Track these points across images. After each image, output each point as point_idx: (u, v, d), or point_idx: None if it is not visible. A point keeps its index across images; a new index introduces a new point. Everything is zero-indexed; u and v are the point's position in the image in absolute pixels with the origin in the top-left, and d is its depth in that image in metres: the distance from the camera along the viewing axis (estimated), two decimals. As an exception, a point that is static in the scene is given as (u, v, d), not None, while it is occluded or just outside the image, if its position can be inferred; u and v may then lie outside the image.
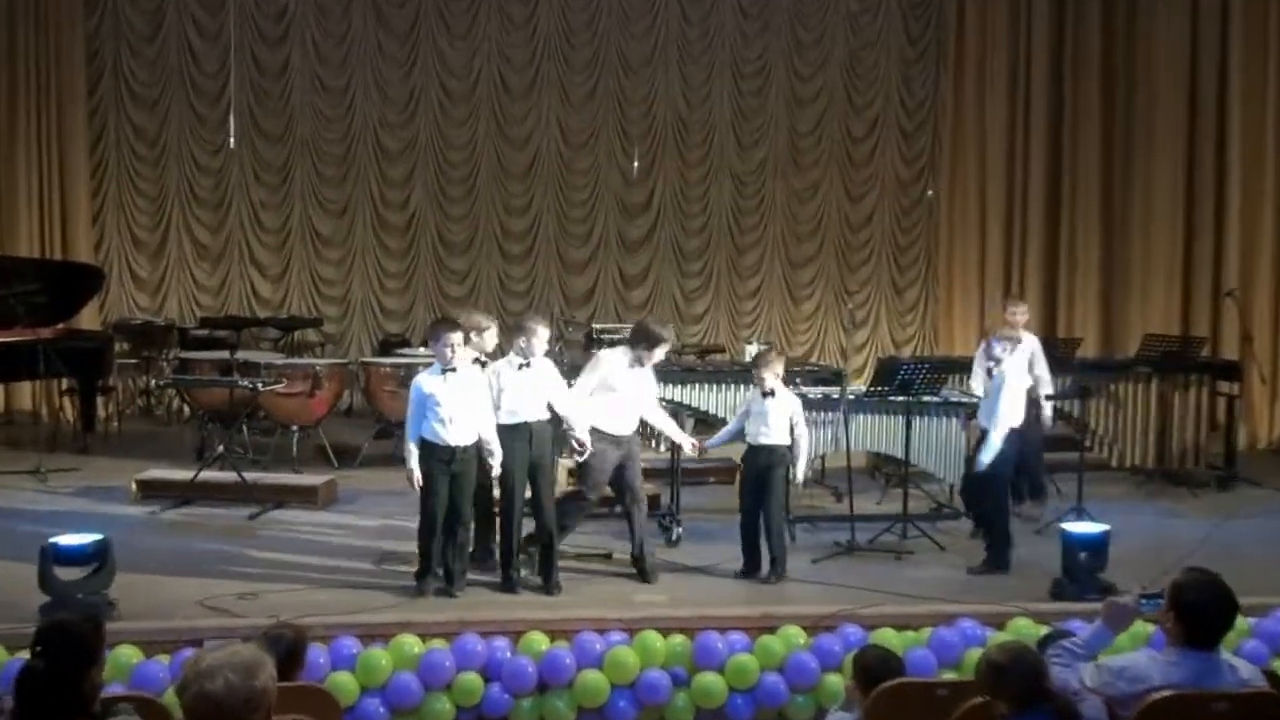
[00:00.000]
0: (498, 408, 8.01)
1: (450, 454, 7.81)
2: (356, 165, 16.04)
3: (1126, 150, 14.73)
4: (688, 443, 8.76)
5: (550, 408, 8.20)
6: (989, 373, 8.91)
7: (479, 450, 7.93)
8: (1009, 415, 8.65)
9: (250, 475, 10.48)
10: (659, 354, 8.41)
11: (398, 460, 12.07)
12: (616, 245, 16.57)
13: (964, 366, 10.74)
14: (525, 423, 8.04)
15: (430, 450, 7.81)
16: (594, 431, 8.23)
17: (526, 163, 16.36)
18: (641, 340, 8.37)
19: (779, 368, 8.61)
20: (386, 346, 15.08)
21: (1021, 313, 10.15)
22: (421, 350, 13.48)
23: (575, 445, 8.22)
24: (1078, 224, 15.03)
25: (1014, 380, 8.81)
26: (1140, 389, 11.55)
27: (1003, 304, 10.45)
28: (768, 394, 8.45)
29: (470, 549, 8.19)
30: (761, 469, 8.45)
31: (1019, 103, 15.39)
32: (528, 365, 8.04)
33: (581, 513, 8.56)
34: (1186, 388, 11.59)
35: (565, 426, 8.26)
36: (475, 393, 7.90)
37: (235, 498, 10.18)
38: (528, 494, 8.18)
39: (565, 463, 9.30)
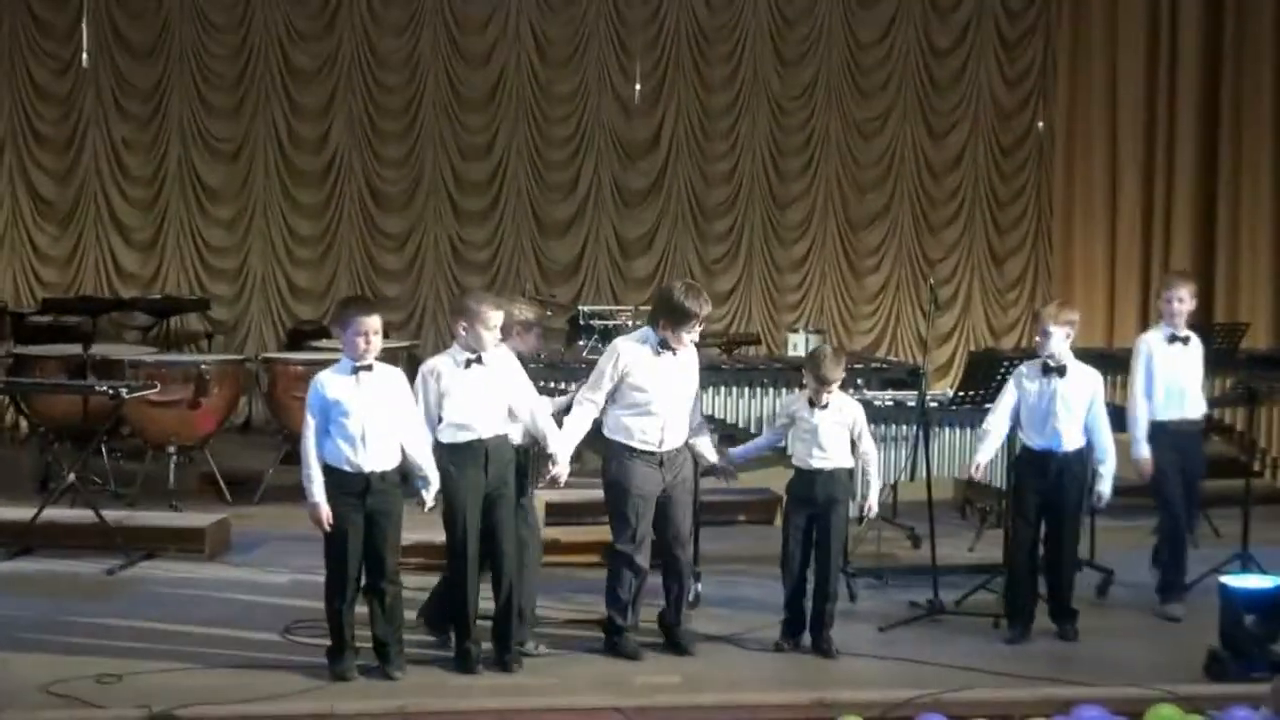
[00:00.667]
0: (439, 420, 8.01)
1: (363, 484, 7.83)
2: (255, 90, 16.09)
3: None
4: (714, 456, 8.72)
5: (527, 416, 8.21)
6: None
7: (406, 477, 7.94)
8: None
9: (111, 514, 10.44)
10: (689, 334, 8.33)
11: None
12: (611, 200, 16.62)
13: (1088, 363, 10.78)
14: (479, 440, 8.01)
15: (336, 479, 7.84)
16: (624, 448, 8.24)
17: (488, 87, 16.41)
18: (661, 315, 8.34)
19: (840, 373, 8.59)
20: (297, 338, 15.09)
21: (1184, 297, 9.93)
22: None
23: (550, 469, 8.21)
24: (1243, 168, 15.02)
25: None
26: (1328, 392, 11.55)
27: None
28: (821, 406, 8.46)
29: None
30: (816, 504, 8.45)
31: (1163, 2, 15.38)
32: (477, 361, 8.01)
33: (631, 579, 8.34)
34: (1391, 389, 11.59)
35: (541, 444, 8.27)
36: (397, 398, 7.90)
37: (92, 545, 10.15)
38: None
39: (546, 495, 9.32)
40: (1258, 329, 13.84)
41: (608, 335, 13.16)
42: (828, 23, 16.69)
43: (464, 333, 7.98)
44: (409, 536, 8.53)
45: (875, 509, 8.74)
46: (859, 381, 9.82)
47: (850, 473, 8.55)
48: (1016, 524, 8.82)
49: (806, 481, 8.47)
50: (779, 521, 11.13)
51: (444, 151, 16.38)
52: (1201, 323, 13.71)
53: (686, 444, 8.49)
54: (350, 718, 7.34)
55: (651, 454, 8.24)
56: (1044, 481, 8.62)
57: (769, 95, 16.72)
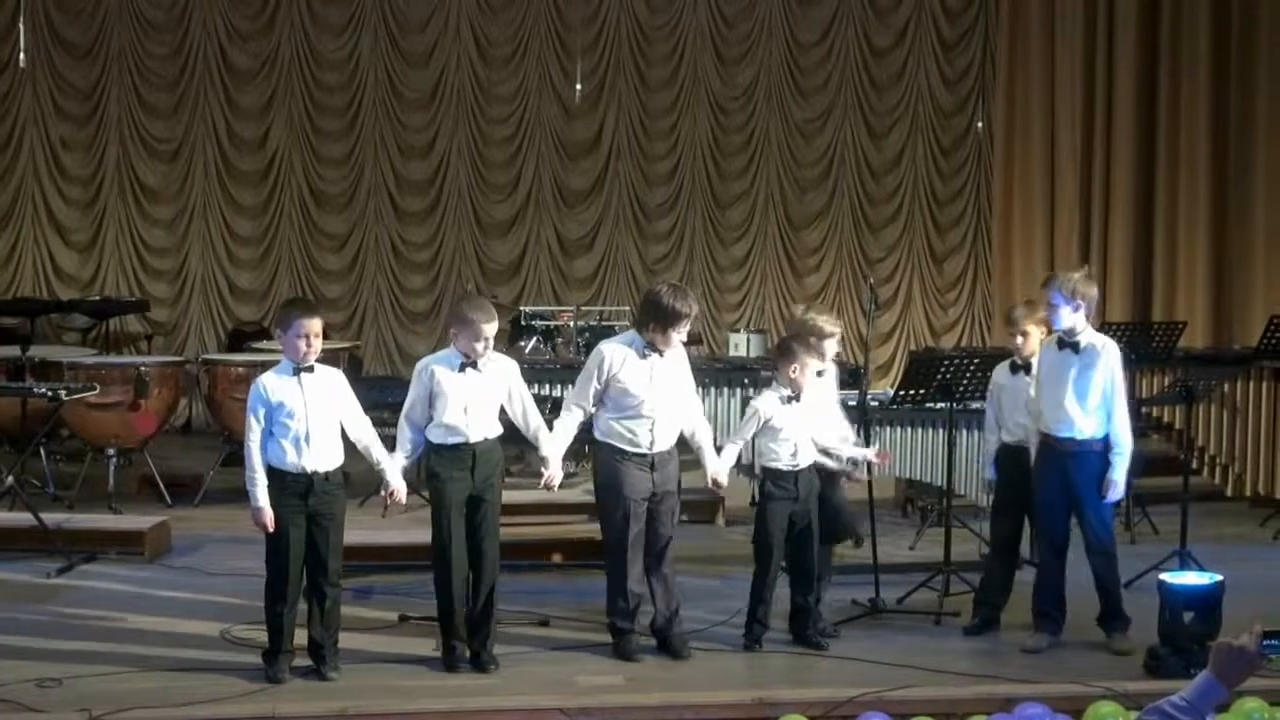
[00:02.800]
0: (428, 419, 8.04)
1: (306, 484, 7.82)
2: (194, 90, 16.02)
3: (1246, 67, 14.81)
4: (714, 468, 8.67)
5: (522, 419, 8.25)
6: None
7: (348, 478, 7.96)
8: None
9: (50, 517, 10.39)
10: (678, 334, 8.30)
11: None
12: (552, 199, 16.62)
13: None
14: (466, 443, 8.03)
15: (279, 480, 7.82)
16: (615, 451, 8.24)
17: (428, 87, 16.38)
18: (649, 318, 8.34)
19: (818, 360, 8.63)
20: (238, 339, 15.05)
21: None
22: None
23: (543, 473, 8.25)
24: (1180, 167, 15.12)
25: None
26: (1265, 390, 11.66)
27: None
28: (793, 397, 8.49)
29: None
30: (797, 500, 8.48)
31: (1100, 2, 15.46)
32: (472, 365, 8.04)
33: (628, 582, 8.29)
34: (1328, 388, 11.71)
35: (535, 446, 8.32)
36: (339, 398, 7.92)
37: (31, 548, 10.10)
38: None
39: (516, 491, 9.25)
40: (1194, 328, 13.94)
41: (549, 335, 13.19)
42: (768, 23, 16.73)
43: (454, 339, 8.07)
44: (352, 539, 8.53)
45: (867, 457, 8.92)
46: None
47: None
48: (997, 520, 8.84)
49: (787, 480, 8.49)
50: (723, 521, 11.21)
51: (384, 151, 16.34)
52: (1140, 321, 13.82)
53: (698, 455, 8.54)
54: (289, 719, 7.31)
55: (642, 456, 8.24)
56: (1024, 476, 8.65)
57: (709, 95, 16.75)
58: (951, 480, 9.55)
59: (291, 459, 7.74)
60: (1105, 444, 8.47)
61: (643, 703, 7.63)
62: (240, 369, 12.23)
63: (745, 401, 10.21)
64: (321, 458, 7.79)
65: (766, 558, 8.51)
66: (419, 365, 8.18)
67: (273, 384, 7.80)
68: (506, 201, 16.58)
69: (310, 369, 7.83)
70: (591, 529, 10.07)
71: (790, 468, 8.46)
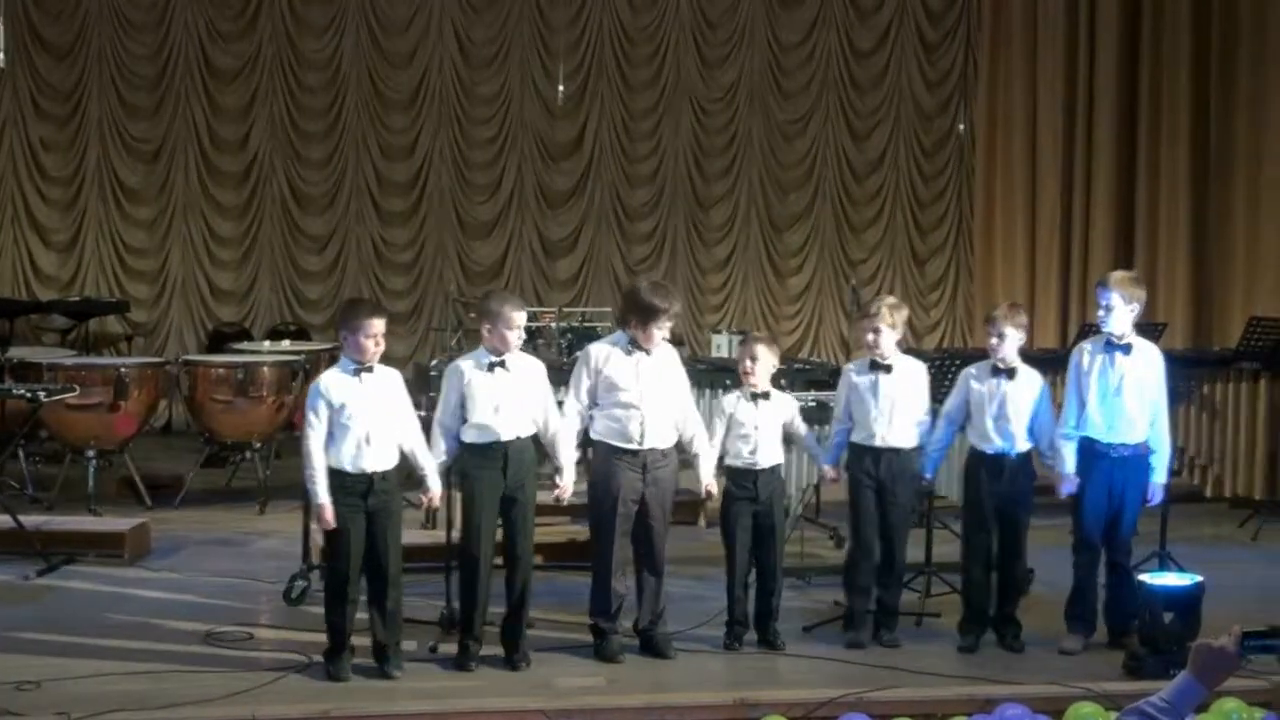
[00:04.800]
0: (462, 420, 8.07)
1: (365, 484, 7.84)
2: (176, 91, 15.99)
3: (1227, 72, 14.85)
4: (708, 478, 8.67)
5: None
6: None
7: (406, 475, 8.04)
8: None
9: (29, 519, 10.36)
10: (659, 330, 8.29)
11: (242, 497, 12.05)
12: (535, 201, 16.62)
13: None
14: (498, 442, 8.04)
15: (338, 480, 7.82)
16: (609, 449, 8.26)
17: (411, 88, 16.38)
18: (630, 314, 8.36)
19: (774, 359, 8.66)
20: (219, 340, 15.04)
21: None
22: (266, 345, 13.45)
23: (555, 482, 8.28)
24: (1161, 169, 15.16)
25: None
26: (1244, 392, 11.71)
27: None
28: (759, 396, 8.51)
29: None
30: (759, 500, 8.50)
31: (1081, 5, 15.51)
32: (501, 364, 8.06)
33: (612, 581, 8.30)
34: (1306, 390, 11.75)
35: (551, 455, 8.35)
36: (397, 399, 7.97)
37: (10, 550, 10.07)
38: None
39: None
40: (1175, 330, 13.97)
41: (531, 337, 13.16)
42: (750, 24, 16.75)
43: (487, 334, 8.07)
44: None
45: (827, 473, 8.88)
46: (782, 382, 9.87)
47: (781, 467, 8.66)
48: (971, 530, 8.75)
49: (749, 479, 8.51)
50: (703, 522, 11.21)
51: (366, 153, 16.33)
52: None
53: (693, 462, 8.56)
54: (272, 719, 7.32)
55: (634, 455, 8.24)
56: (998, 485, 8.58)
57: (692, 97, 16.76)
58: (934, 481, 9.56)
59: (352, 460, 7.79)
60: (1148, 448, 8.55)
61: (624, 704, 7.64)
62: (221, 370, 12.22)
63: (728, 403, 10.22)
64: (380, 458, 7.84)
65: (731, 557, 8.55)
66: (448, 368, 8.24)
67: (334, 382, 7.85)
68: (489, 203, 16.58)
69: (371, 369, 7.85)
70: (574, 531, 10.09)
71: (748, 466, 8.48)
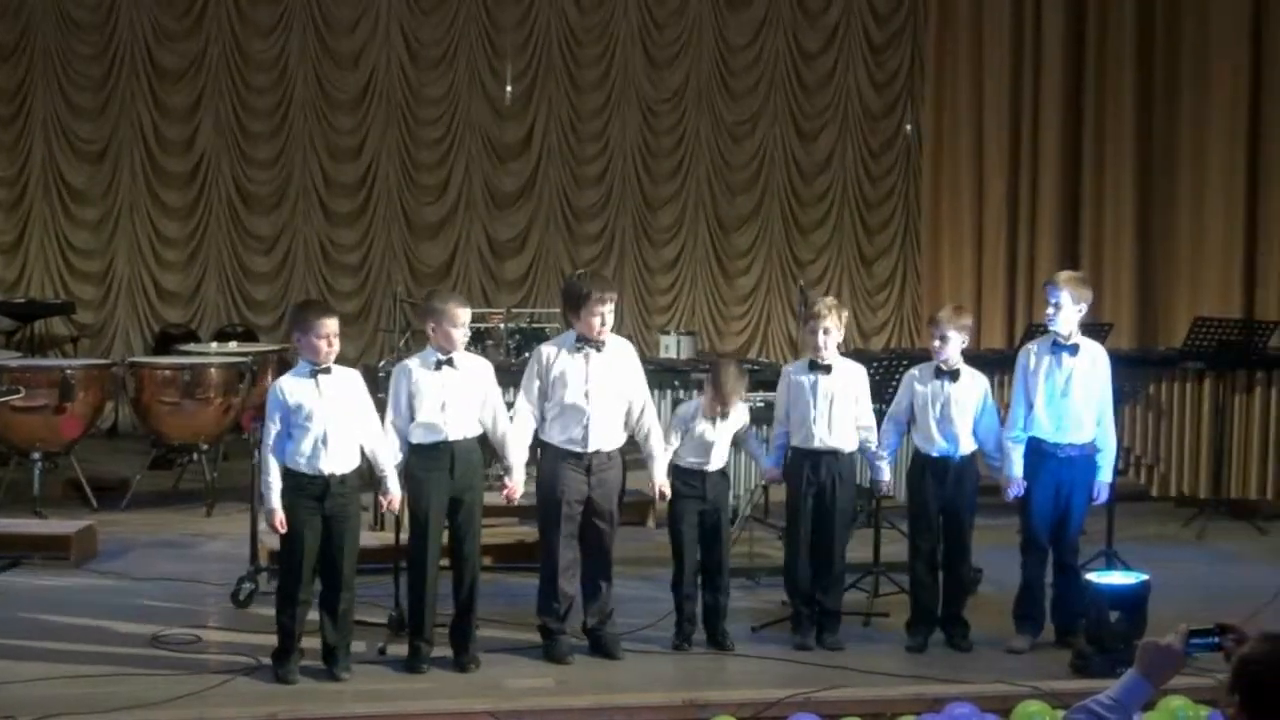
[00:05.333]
0: (410, 420, 8.05)
1: (322, 486, 7.80)
2: (121, 90, 15.91)
3: (1171, 73, 14.94)
4: (661, 479, 8.67)
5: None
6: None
7: (361, 478, 7.99)
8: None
9: (-26, 521, 10.31)
10: (596, 317, 8.19)
11: (189, 499, 11.99)
12: (483, 201, 16.60)
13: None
14: (445, 441, 8.02)
15: (295, 482, 7.79)
16: (554, 451, 8.25)
17: (358, 88, 16.33)
18: (565, 305, 8.36)
19: (744, 388, 8.75)
20: (166, 341, 14.95)
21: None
22: (213, 346, 13.39)
23: (504, 483, 8.29)
24: (1106, 169, 15.24)
25: None
26: (1189, 391, 11.76)
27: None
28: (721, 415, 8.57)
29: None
30: (705, 501, 8.53)
31: (1027, 6, 15.58)
32: (449, 363, 8.03)
33: (560, 582, 8.29)
34: (1250, 389, 11.81)
35: (500, 455, 8.34)
36: (357, 400, 7.94)
37: (-46, 553, 10.02)
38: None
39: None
40: (1120, 330, 14.05)
41: (480, 338, 13.13)
42: (698, 25, 16.76)
43: (432, 333, 8.03)
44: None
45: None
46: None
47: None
48: (917, 531, 8.75)
49: (694, 479, 8.53)
50: (653, 523, 11.21)
51: (313, 153, 16.28)
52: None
53: (647, 462, 8.54)
54: (219, 723, 7.29)
55: (579, 457, 8.24)
56: (943, 488, 8.60)
57: (640, 97, 16.77)
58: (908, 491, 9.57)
59: (309, 461, 7.74)
60: (1094, 448, 8.59)
61: (573, 705, 7.64)
62: (167, 372, 12.15)
63: (675, 403, 10.23)
64: (339, 460, 7.79)
65: (679, 557, 8.56)
66: (396, 368, 8.23)
67: (290, 386, 7.81)
68: (436, 203, 16.55)
69: (327, 370, 7.81)
70: (522, 532, 10.07)
71: (696, 467, 8.50)
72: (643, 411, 8.48)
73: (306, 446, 7.73)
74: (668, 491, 8.55)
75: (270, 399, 7.84)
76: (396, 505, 8.17)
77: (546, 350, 8.34)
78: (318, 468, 7.75)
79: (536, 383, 8.30)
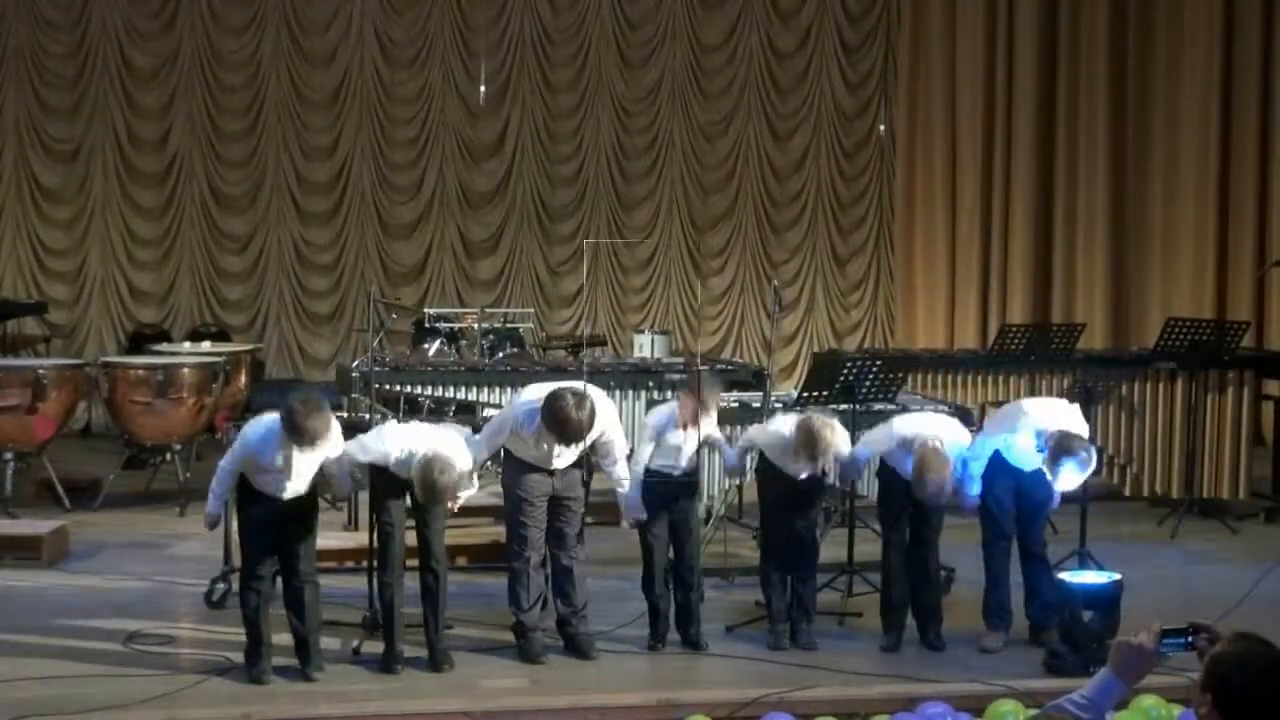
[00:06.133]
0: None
1: (280, 503, 7.89)
2: (94, 90, 15.84)
3: (1143, 74, 15.00)
4: (634, 512, 8.69)
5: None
6: None
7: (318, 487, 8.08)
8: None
9: (-54, 522, 10.27)
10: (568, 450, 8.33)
11: (162, 499, 11.96)
12: (456, 201, 16.56)
13: (931, 364, 10.89)
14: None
15: (251, 495, 7.95)
16: (518, 460, 8.36)
17: (331, 88, 16.29)
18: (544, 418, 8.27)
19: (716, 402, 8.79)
20: (139, 342, 14.91)
21: None
22: (186, 346, 13.36)
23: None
24: (1079, 172, 15.30)
25: None
26: (1162, 391, 11.80)
27: None
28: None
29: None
30: (674, 503, 8.54)
31: (1000, 7, 15.61)
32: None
33: (529, 581, 8.34)
34: (1223, 389, 11.86)
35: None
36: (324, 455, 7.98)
37: (-75, 554, 9.98)
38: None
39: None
40: (1093, 329, 14.10)
41: (453, 338, 13.13)
42: (671, 25, 16.75)
43: None
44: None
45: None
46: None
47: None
48: (887, 531, 8.79)
49: (665, 485, 8.53)
50: (625, 523, 11.21)
51: (287, 152, 16.23)
52: (1039, 322, 13.97)
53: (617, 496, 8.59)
54: (194, 723, 7.28)
55: (542, 469, 8.33)
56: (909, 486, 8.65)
57: (613, 97, 16.75)
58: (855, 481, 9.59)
59: (271, 490, 7.85)
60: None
61: (548, 705, 7.65)
62: (140, 372, 12.11)
63: (650, 404, 10.22)
64: (296, 491, 7.89)
65: (649, 557, 8.57)
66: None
67: (263, 452, 7.79)
68: (410, 203, 16.51)
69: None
70: (495, 532, 10.06)
71: (667, 470, 8.52)
72: (609, 453, 8.52)
73: (267, 483, 7.85)
74: (642, 516, 8.55)
75: (241, 447, 7.90)
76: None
77: (520, 420, 8.27)
78: (276, 495, 7.86)
79: (500, 438, 8.43)
